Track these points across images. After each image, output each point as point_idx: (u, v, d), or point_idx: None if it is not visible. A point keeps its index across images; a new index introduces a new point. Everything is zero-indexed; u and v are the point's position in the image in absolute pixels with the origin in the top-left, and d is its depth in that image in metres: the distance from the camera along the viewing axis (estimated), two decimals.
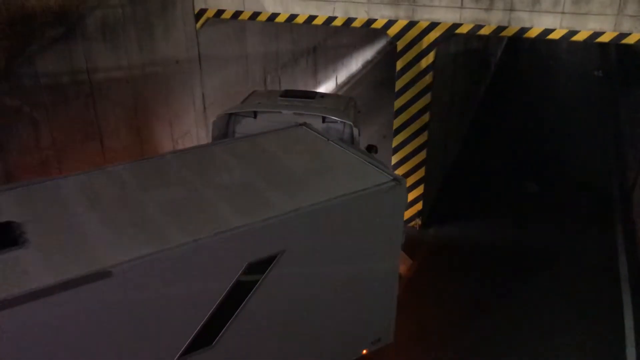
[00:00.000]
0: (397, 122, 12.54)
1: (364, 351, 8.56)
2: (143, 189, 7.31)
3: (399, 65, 11.95)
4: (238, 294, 6.73)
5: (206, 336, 6.63)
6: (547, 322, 10.62)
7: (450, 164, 16.12)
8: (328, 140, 8.90)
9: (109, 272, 5.70)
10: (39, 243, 6.12)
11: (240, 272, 6.61)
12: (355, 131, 10.22)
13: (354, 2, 11.66)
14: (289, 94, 11.31)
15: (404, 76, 11.98)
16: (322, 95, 11.74)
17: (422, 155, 12.61)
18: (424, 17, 11.29)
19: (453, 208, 14.38)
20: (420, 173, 12.79)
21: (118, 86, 11.69)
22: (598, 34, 10.25)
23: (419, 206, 13.15)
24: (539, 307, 11.03)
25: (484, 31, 11.01)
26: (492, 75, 24.15)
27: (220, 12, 13.03)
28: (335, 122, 10.24)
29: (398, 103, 12.34)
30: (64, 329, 5.61)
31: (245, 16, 12.79)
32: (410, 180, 12.90)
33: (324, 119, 10.23)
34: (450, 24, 11.17)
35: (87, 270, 5.64)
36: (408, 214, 13.28)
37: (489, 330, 10.42)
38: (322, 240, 7.26)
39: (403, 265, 12.16)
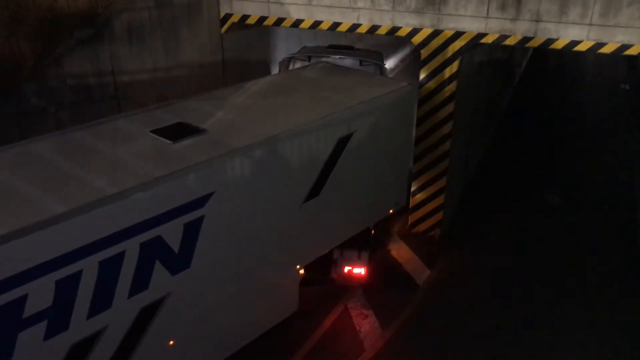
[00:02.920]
0: (419, 131, 12.47)
1: (390, 211, 12.16)
2: (251, 100, 10.43)
3: (423, 73, 11.90)
4: (332, 160, 9.90)
5: (316, 190, 9.80)
6: (561, 333, 10.46)
7: (471, 175, 15.97)
8: (349, 68, 12.62)
9: (275, 137, 8.75)
10: (213, 131, 8.71)
11: (334, 144, 9.86)
12: (385, 70, 13.75)
13: (378, 9, 11.65)
14: (332, 46, 14.94)
15: (428, 84, 11.92)
16: (358, 48, 15.23)
17: (443, 164, 12.51)
18: (449, 26, 11.23)
19: (473, 219, 14.23)
20: (441, 183, 12.69)
21: (142, 88, 11.80)
22: (626, 47, 10.09)
23: (439, 216, 13.04)
24: (555, 317, 10.86)
25: (510, 41, 10.91)
26: (516, 86, 23.92)
27: (245, 18, 13.10)
28: (369, 64, 13.56)
29: (421, 111, 12.27)
30: (251, 177, 8.55)
31: (269, 22, 12.85)
32: (430, 190, 12.81)
33: (361, 62, 13.60)
34: (475, 33, 11.10)
35: (261, 138, 8.61)
36: (428, 223, 13.20)
37: (506, 342, 10.29)
38: (374, 124, 10.70)
39: (421, 275, 12.08)
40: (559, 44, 10.56)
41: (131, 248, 7.10)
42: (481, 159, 17.08)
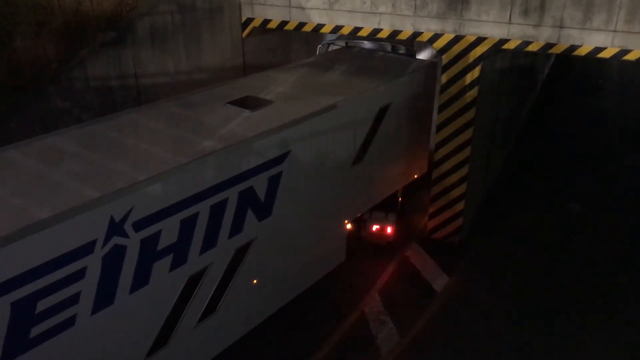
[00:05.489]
0: (438, 137, 12.40)
1: (415, 176, 13.96)
2: (300, 77, 11.91)
3: (444, 79, 11.83)
4: (374, 128, 11.49)
5: (361, 154, 11.38)
6: (583, 343, 10.31)
7: (492, 181, 15.83)
8: (381, 51, 14.40)
9: (334, 105, 10.23)
10: (278, 102, 10.20)
11: (375, 113, 11.49)
12: (414, 52, 14.70)
13: (400, 14, 11.62)
14: None
15: (448, 90, 11.85)
16: None
17: (463, 171, 12.42)
18: (471, 31, 11.17)
19: (493, 226, 14.10)
20: (461, 189, 12.59)
21: (164, 91, 11.90)
22: None
23: (458, 223, 12.94)
24: (577, 326, 10.71)
25: (532, 47, 10.82)
26: (538, 92, 23.69)
27: (266, 22, 13.17)
28: (400, 48, 14.54)
29: (441, 117, 12.21)
30: (316, 139, 10.01)
31: (290, 26, 12.89)
32: (450, 196, 12.72)
33: (393, 47, 14.55)
34: (497, 39, 11.02)
35: (324, 105, 10.10)
36: (447, 230, 13.10)
37: (525, 349, 10.16)
38: (405, 97, 12.41)
39: (439, 281, 12.00)
40: (583, 51, 10.44)
41: (232, 195, 8.52)
42: (502, 166, 16.93)
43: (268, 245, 9.50)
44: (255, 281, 9.52)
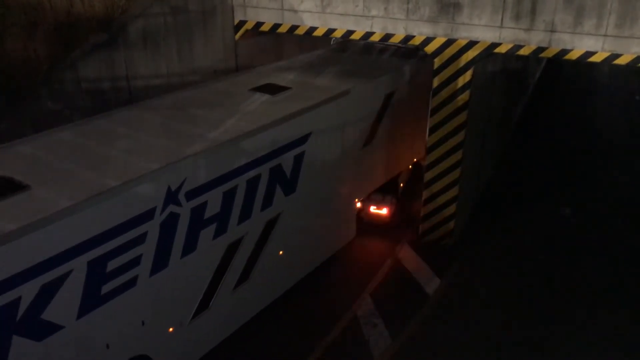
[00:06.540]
0: (430, 140, 12.43)
1: (415, 159, 15.02)
2: (312, 67, 12.85)
3: (436, 82, 11.88)
4: (381, 113, 12.69)
5: (370, 137, 12.56)
6: (572, 349, 10.36)
7: (483, 184, 15.88)
8: (385, 44, 14.68)
9: (348, 90, 11.25)
10: (296, 88, 11.13)
11: (383, 98, 12.66)
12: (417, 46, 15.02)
13: (392, 18, 11.66)
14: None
15: (441, 93, 11.89)
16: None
17: (455, 174, 12.46)
18: (463, 35, 11.22)
19: (484, 229, 14.14)
20: (453, 192, 12.63)
21: (156, 94, 11.87)
22: None
23: (450, 226, 12.98)
24: (565, 331, 10.75)
25: (523, 51, 10.88)
26: (529, 96, 23.81)
27: (259, 25, 13.17)
28: (406, 46, 14.90)
29: (433, 120, 12.24)
30: (334, 122, 11.04)
31: (283, 29, 12.91)
32: (442, 199, 12.76)
33: (398, 47, 15.03)
34: (489, 43, 11.08)
35: (336, 92, 11.08)
36: (439, 233, 13.13)
37: (515, 354, 10.19)
38: (407, 85, 13.53)
39: (431, 284, 12.02)
40: (574, 55, 10.51)
41: (264, 172, 9.45)
42: (493, 169, 16.99)
43: (293, 219, 10.45)
44: (281, 252, 10.44)
